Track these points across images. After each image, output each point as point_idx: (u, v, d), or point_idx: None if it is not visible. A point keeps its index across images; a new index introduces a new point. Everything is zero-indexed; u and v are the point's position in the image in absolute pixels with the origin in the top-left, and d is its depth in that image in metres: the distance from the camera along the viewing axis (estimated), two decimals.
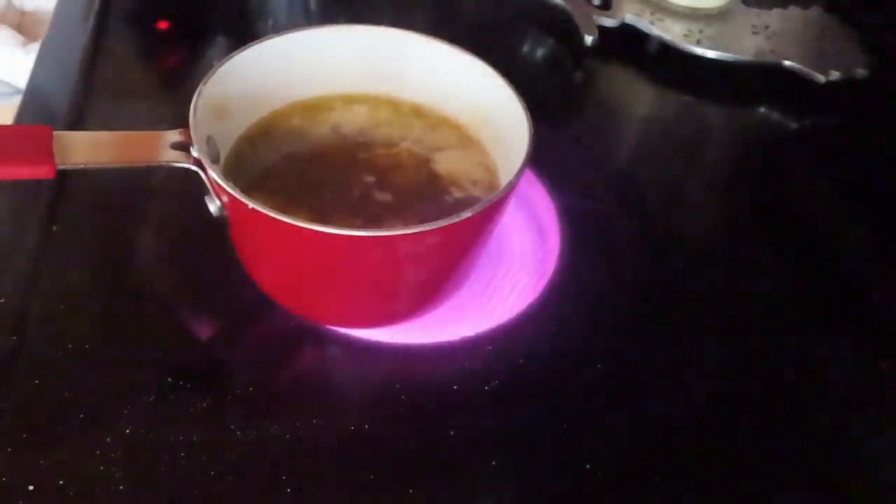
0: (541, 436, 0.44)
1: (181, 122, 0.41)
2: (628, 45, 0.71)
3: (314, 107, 0.50)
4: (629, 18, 0.70)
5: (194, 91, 0.42)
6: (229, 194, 0.39)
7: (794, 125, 0.68)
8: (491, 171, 0.48)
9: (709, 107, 0.69)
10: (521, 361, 0.46)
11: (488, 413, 0.44)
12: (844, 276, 0.55)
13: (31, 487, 0.38)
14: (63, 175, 0.40)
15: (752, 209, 0.60)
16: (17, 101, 0.58)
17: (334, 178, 0.47)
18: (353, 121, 0.50)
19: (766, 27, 0.72)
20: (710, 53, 0.68)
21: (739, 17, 0.73)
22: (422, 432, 0.43)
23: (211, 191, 0.42)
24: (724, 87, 0.70)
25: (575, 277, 0.51)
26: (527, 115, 0.44)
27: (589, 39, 0.69)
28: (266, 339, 0.47)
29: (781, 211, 0.60)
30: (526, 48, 0.73)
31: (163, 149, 0.41)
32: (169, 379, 0.43)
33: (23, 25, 0.91)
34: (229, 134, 0.47)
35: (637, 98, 0.70)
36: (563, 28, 0.71)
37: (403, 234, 0.39)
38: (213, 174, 0.39)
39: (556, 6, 0.72)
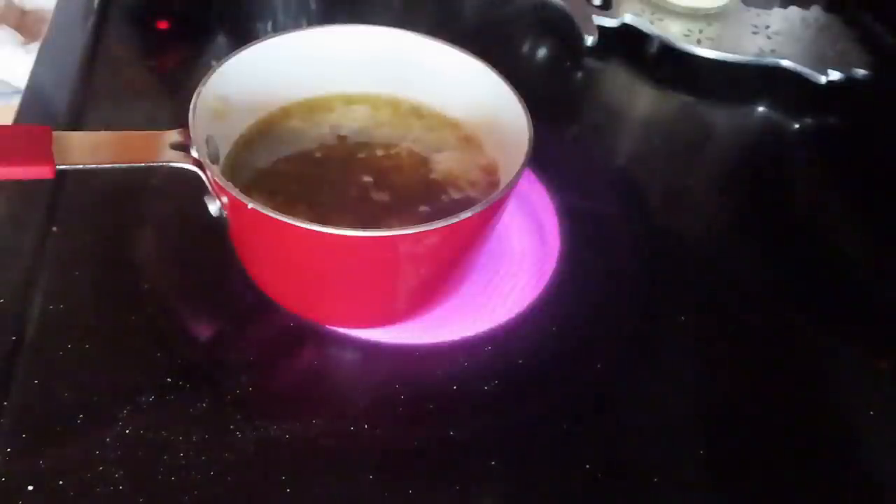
0: (541, 436, 0.44)
1: (181, 122, 0.41)
2: (628, 45, 0.71)
3: (314, 107, 0.50)
4: (629, 18, 0.70)
5: (194, 91, 0.42)
6: (229, 194, 0.39)
7: (794, 125, 0.68)
8: (491, 172, 0.48)
9: (709, 107, 0.69)
10: (521, 361, 0.46)
11: (488, 413, 0.44)
12: (844, 275, 0.55)
13: (30, 487, 0.38)
14: (63, 175, 0.40)
15: (752, 209, 0.60)
16: (17, 101, 0.58)
17: (334, 179, 0.47)
18: (352, 121, 0.50)
19: (767, 27, 0.72)
20: (710, 53, 0.68)
21: (739, 17, 0.73)
22: (422, 432, 0.43)
23: (211, 191, 0.42)
24: (724, 87, 0.70)
25: (575, 277, 0.51)
26: (527, 115, 0.44)
27: (589, 39, 0.69)
28: (266, 339, 0.47)
29: (781, 211, 0.60)
30: (526, 48, 0.73)
31: (163, 149, 0.41)
32: (169, 379, 0.43)
33: (23, 25, 0.91)
34: (229, 134, 0.47)
35: (637, 98, 0.70)
36: (563, 28, 0.71)
37: (403, 235, 0.39)
38: (213, 174, 0.39)
39: (556, 6, 0.72)
